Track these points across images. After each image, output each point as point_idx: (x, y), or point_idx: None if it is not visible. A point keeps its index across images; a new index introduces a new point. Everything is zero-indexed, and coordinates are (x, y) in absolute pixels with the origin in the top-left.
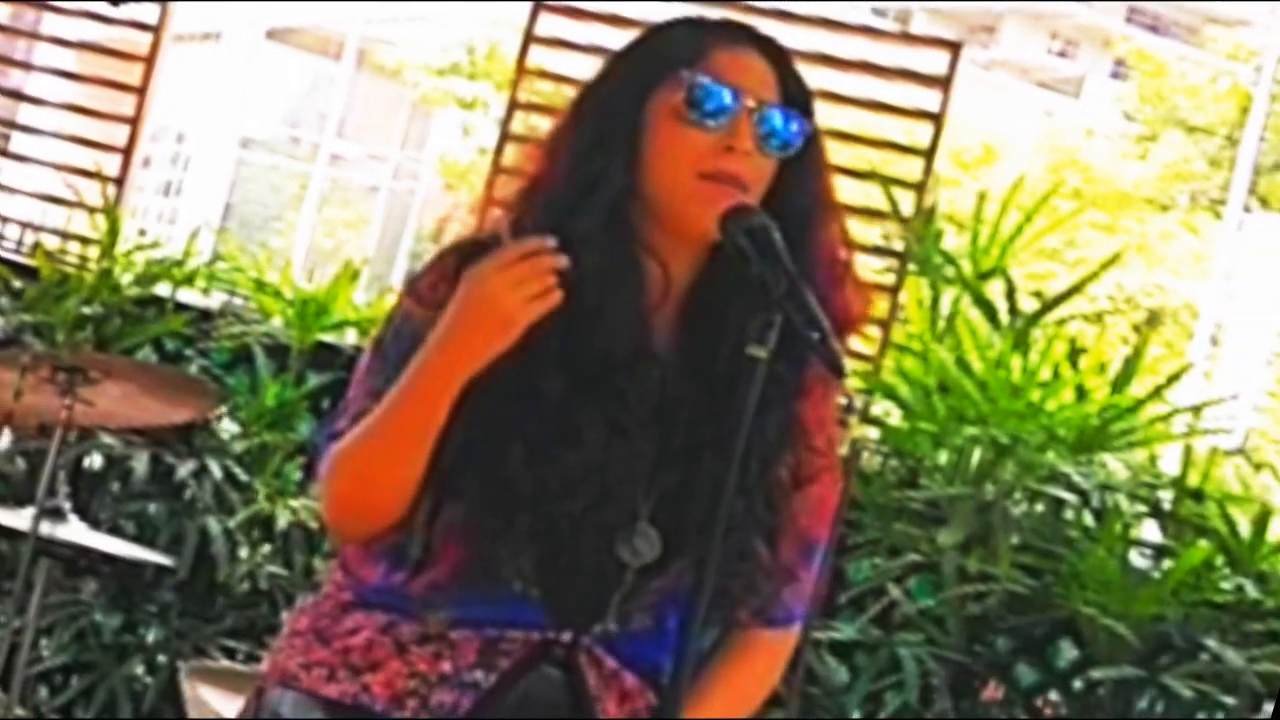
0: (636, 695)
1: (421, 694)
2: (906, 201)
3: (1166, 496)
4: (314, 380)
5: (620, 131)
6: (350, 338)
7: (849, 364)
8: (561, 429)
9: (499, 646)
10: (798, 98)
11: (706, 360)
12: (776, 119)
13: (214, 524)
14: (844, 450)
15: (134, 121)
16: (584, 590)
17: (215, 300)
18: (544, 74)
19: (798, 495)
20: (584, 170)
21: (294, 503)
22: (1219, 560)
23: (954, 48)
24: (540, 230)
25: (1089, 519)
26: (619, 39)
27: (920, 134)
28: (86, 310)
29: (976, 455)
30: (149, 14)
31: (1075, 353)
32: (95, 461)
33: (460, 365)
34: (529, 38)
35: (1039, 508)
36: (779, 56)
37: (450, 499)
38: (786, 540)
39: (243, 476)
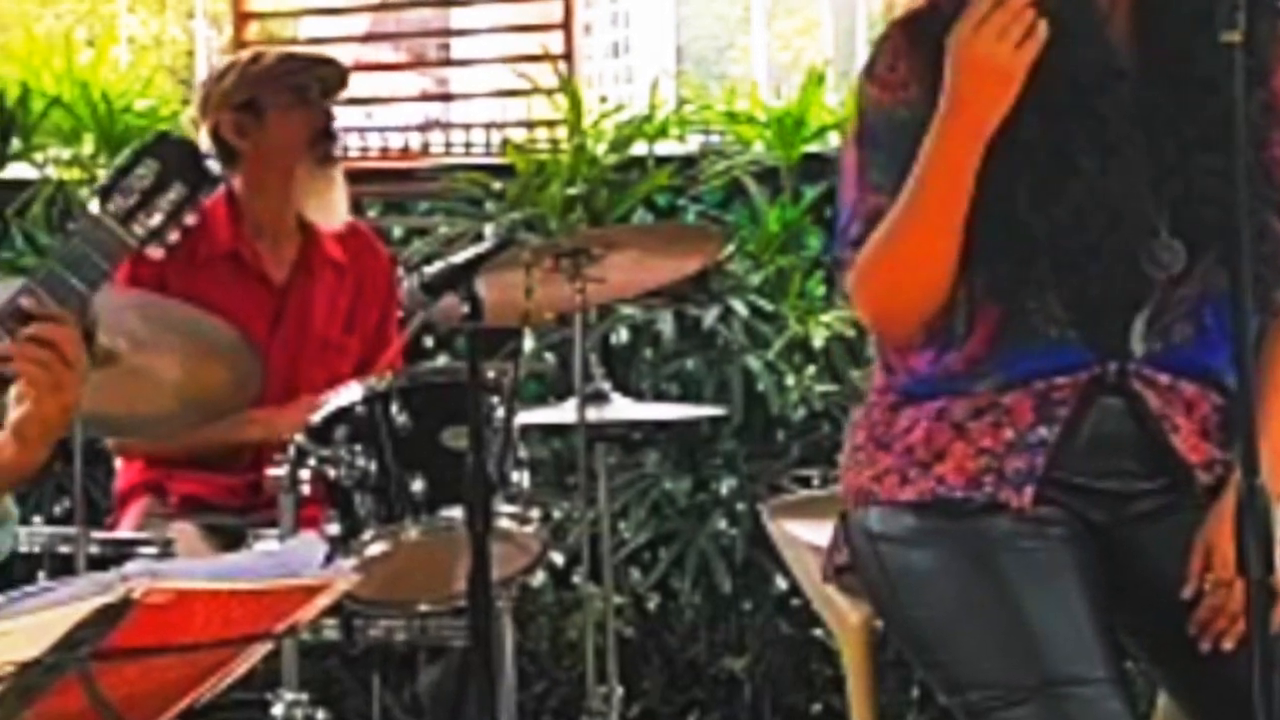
0: (1201, 401)
1: (994, 468)
2: None
3: None
4: (810, 193)
5: None
6: (833, 141)
7: None
8: (1056, 164)
9: (1051, 396)
10: None
11: (1171, 59)
12: None
13: (753, 361)
14: None
15: None
16: (1118, 317)
17: (693, 144)
18: None
19: None
20: None
21: (824, 318)
22: None
23: None
24: None
25: None
26: None
27: None
28: (571, 191)
29: None
30: None
31: None
32: (621, 335)
33: (974, 131)
34: None
35: None
36: None
37: (970, 265)
38: None
39: (768, 306)
